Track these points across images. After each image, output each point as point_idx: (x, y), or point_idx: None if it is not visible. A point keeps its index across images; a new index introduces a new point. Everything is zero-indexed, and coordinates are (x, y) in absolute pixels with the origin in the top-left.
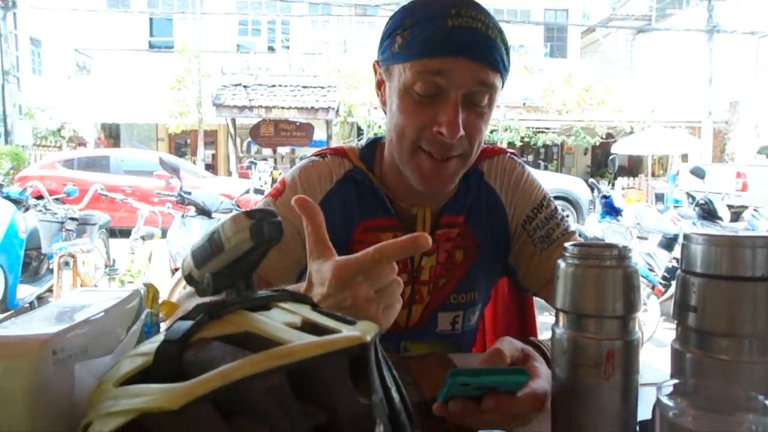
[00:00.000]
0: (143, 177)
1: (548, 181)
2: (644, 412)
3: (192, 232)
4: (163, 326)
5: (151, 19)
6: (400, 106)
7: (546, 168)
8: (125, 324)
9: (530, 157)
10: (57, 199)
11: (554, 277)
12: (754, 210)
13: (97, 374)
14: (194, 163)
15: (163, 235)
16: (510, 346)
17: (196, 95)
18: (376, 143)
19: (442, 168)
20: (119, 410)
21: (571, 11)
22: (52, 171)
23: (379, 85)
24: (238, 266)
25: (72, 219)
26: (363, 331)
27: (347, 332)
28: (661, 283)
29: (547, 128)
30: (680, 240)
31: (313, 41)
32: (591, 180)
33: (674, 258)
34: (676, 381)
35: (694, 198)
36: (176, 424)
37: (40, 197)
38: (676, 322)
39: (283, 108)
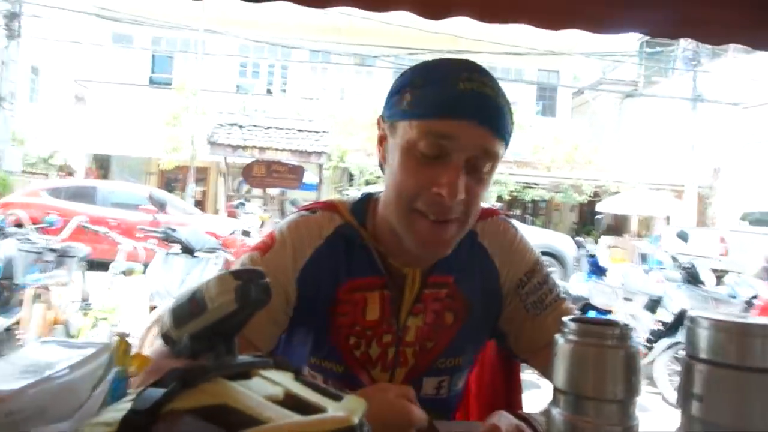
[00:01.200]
0: (130, 210)
1: (535, 236)
2: None
3: (174, 270)
4: (132, 380)
5: (153, 56)
6: (401, 164)
7: (533, 223)
8: (92, 382)
9: (518, 212)
10: (38, 229)
11: (552, 354)
12: (738, 275)
13: None
14: (183, 199)
15: (144, 271)
16: (507, 422)
17: (191, 132)
18: (368, 198)
19: (441, 231)
20: None
21: (562, 73)
22: (37, 199)
23: (381, 141)
24: (220, 329)
25: (51, 250)
26: (349, 410)
27: (333, 412)
28: (645, 346)
29: (536, 184)
30: (663, 302)
31: (310, 87)
32: (577, 238)
33: (658, 321)
34: None
35: (677, 260)
36: None
37: (21, 225)
38: (681, 410)
39: (276, 150)
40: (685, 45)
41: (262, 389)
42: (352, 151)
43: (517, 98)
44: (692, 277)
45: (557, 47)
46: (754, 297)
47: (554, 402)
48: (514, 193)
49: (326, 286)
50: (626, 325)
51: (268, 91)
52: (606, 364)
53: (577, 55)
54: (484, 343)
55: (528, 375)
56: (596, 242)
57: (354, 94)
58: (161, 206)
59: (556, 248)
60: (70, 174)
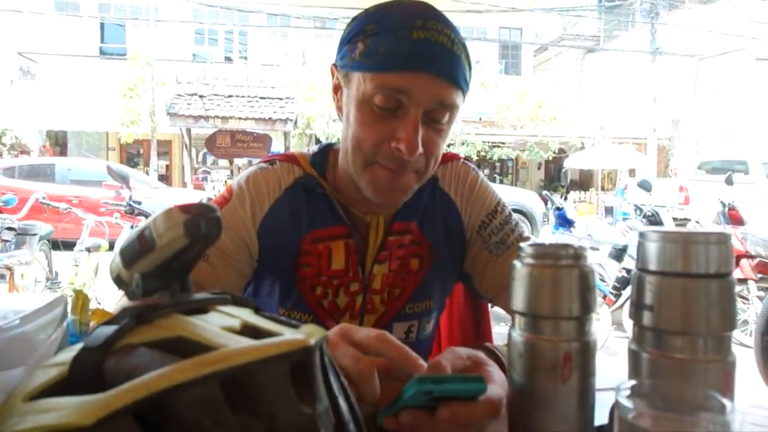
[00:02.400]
0: (91, 187)
1: (503, 194)
2: (600, 417)
3: None
4: None
5: (102, 25)
6: (357, 118)
7: (501, 182)
8: (47, 333)
9: (486, 171)
10: None
11: (510, 278)
12: (696, 222)
13: (7, 389)
14: (147, 173)
15: (111, 247)
16: (452, 356)
17: (150, 104)
18: (328, 149)
19: (398, 179)
20: (25, 428)
21: (525, 30)
22: None
23: (336, 89)
24: (172, 266)
25: (9, 229)
26: (307, 334)
27: (289, 335)
28: (611, 293)
29: (502, 143)
30: (629, 251)
31: (271, 52)
32: (545, 192)
33: (624, 268)
34: (633, 382)
35: (641, 210)
36: None
37: None
38: (633, 322)
39: (239, 118)
40: None
41: (219, 322)
42: (317, 117)
43: (480, 57)
44: (655, 225)
45: (518, 3)
46: None
47: (513, 325)
48: (482, 153)
49: (289, 237)
50: (580, 246)
51: (228, 59)
52: (561, 283)
53: (537, 11)
54: (451, 286)
55: (498, 328)
56: (563, 197)
57: (316, 59)
58: (123, 179)
59: (524, 205)
60: (25, 152)
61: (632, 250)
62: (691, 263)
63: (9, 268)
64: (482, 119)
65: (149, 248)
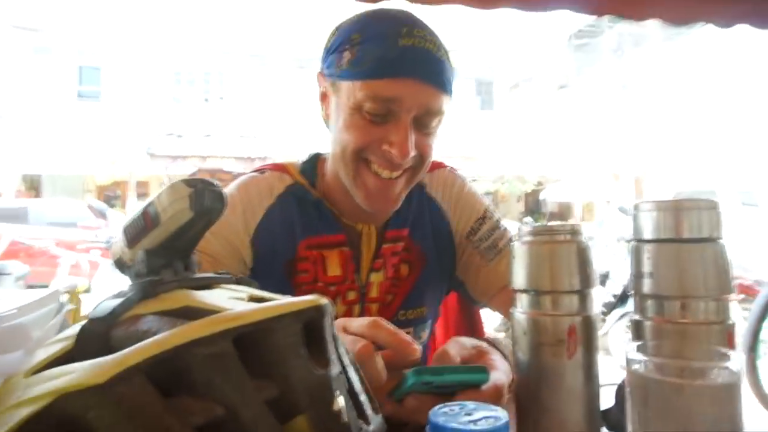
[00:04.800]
0: (68, 228)
1: None
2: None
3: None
4: None
5: (80, 69)
6: (348, 122)
7: None
8: (42, 325)
9: None
10: None
11: (510, 259)
12: None
13: (7, 372)
14: (125, 214)
15: (89, 288)
16: (458, 346)
17: (128, 146)
18: (317, 159)
19: (389, 186)
20: (31, 397)
21: (498, 68)
22: None
23: (323, 97)
24: (176, 243)
25: None
26: (317, 297)
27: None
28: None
29: (481, 177)
30: (611, 276)
31: (249, 92)
32: (526, 219)
33: (610, 294)
34: (639, 343)
35: (621, 237)
36: (104, 404)
37: None
38: (633, 292)
39: (219, 157)
40: (610, 34)
41: (225, 294)
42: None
43: (456, 95)
44: None
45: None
46: None
47: (515, 305)
48: None
49: (283, 244)
50: (576, 223)
51: (206, 100)
52: (560, 258)
53: (510, 50)
54: (444, 292)
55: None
56: None
57: (293, 96)
58: (101, 215)
59: None
60: None
61: (614, 276)
62: (683, 229)
63: None
64: (460, 155)
65: (154, 224)
